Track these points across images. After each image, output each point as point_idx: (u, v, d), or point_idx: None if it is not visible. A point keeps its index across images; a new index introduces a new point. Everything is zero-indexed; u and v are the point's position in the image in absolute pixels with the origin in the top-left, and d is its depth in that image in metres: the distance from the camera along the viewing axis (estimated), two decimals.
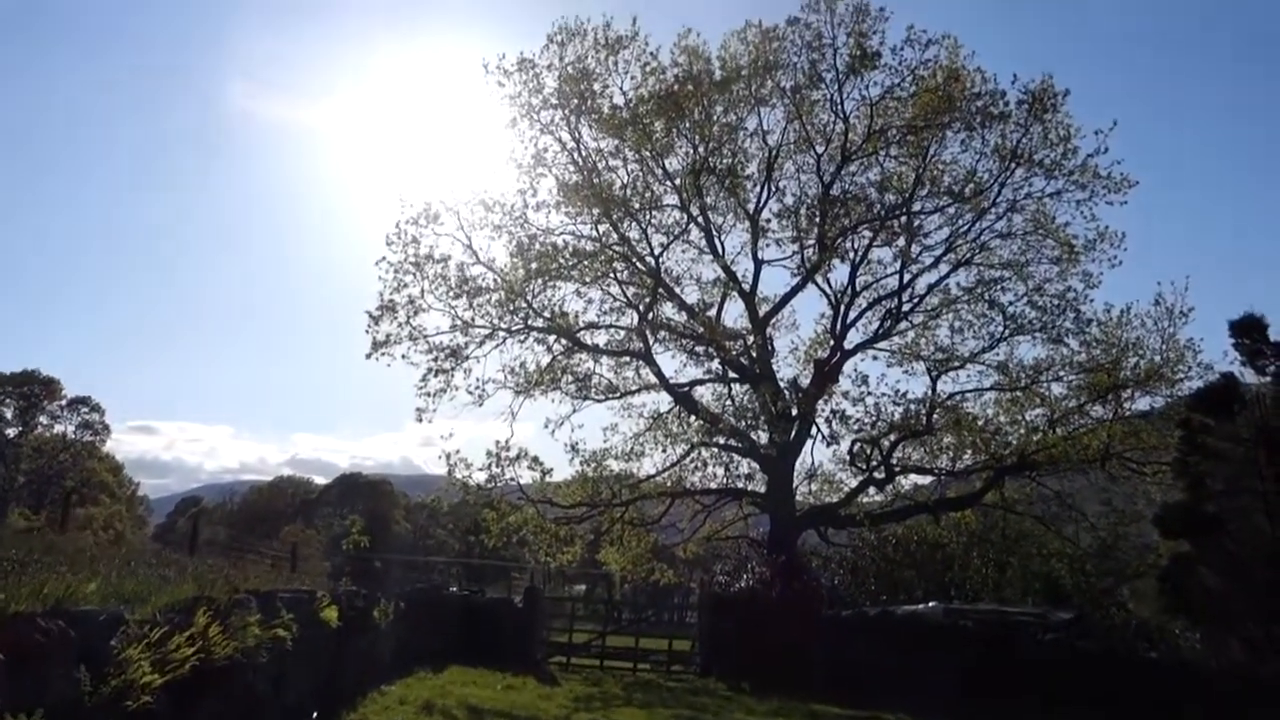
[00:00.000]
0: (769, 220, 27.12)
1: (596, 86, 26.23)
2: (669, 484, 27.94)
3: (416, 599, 20.73)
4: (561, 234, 26.27)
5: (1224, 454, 21.44)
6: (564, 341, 26.22)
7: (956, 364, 25.80)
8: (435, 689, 15.97)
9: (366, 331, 24.83)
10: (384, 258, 24.96)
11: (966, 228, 26.17)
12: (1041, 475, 25.46)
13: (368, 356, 24.75)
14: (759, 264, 27.22)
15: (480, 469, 25.07)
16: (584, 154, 26.62)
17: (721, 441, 26.78)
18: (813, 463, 29.16)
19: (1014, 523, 28.08)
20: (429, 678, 17.26)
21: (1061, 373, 25.30)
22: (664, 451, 27.55)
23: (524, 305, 25.33)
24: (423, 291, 24.96)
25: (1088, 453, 24.38)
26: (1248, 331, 21.51)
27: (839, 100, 25.66)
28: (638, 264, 26.72)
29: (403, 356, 24.99)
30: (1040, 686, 18.92)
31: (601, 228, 26.65)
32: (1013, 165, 25.30)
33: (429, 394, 24.90)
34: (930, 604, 24.72)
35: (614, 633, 25.32)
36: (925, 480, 29.44)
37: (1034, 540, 27.13)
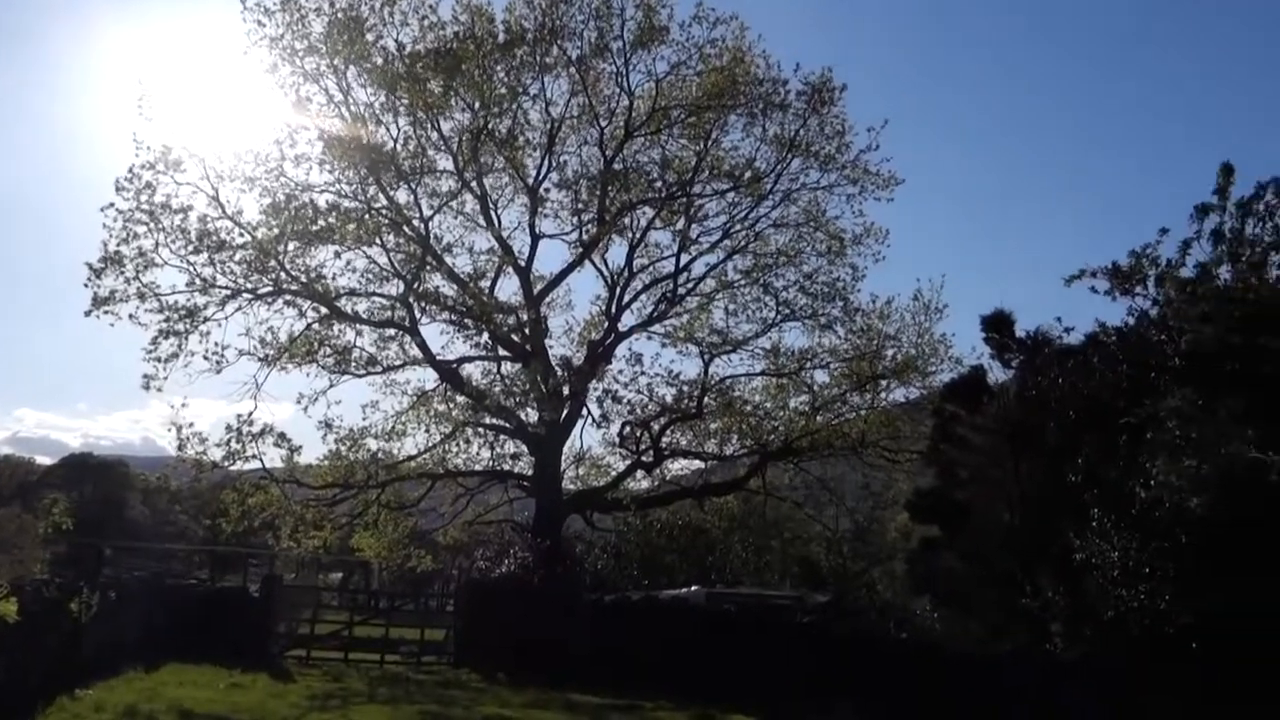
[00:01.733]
0: (548, 191, 26.15)
1: (370, 37, 24.27)
2: (431, 465, 26.47)
3: (131, 589, 18.38)
4: (323, 192, 24.14)
5: (972, 443, 22.47)
6: (320, 309, 24.15)
7: (729, 348, 25.83)
8: (144, 691, 13.96)
9: (87, 285, 21.86)
10: (112, 204, 22.05)
11: (744, 214, 26.22)
12: (804, 461, 25.96)
13: (87, 314, 21.77)
14: (536, 238, 26.21)
15: (218, 445, 22.70)
16: (352, 108, 24.58)
17: (488, 421, 25.58)
18: (582, 446, 28.52)
19: (774, 507, 28.60)
20: (139, 678, 15.16)
21: (827, 360, 25.82)
22: (427, 431, 26.06)
23: (275, 266, 23.06)
24: (156, 245, 22.20)
25: (847, 440, 25.07)
26: (997, 327, 22.61)
27: (625, 73, 24.99)
28: (406, 229, 25.02)
29: (130, 316, 22.15)
30: (799, 667, 19.09)
31: (369, 189, 24.76)
32: (790, 155, 25.52)
33: (159, 359, 22.18)
34: (693, 588, 24.70)
35: (362, 623, 23.56)
36: (692, 466, 29.51)
37: (794, 524, 27.69)
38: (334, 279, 24.12)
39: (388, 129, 24.93)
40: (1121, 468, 16.19)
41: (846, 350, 25.81)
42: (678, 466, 28.50)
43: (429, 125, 25.09)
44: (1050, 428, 19.98)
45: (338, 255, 24.14)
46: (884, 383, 25.90)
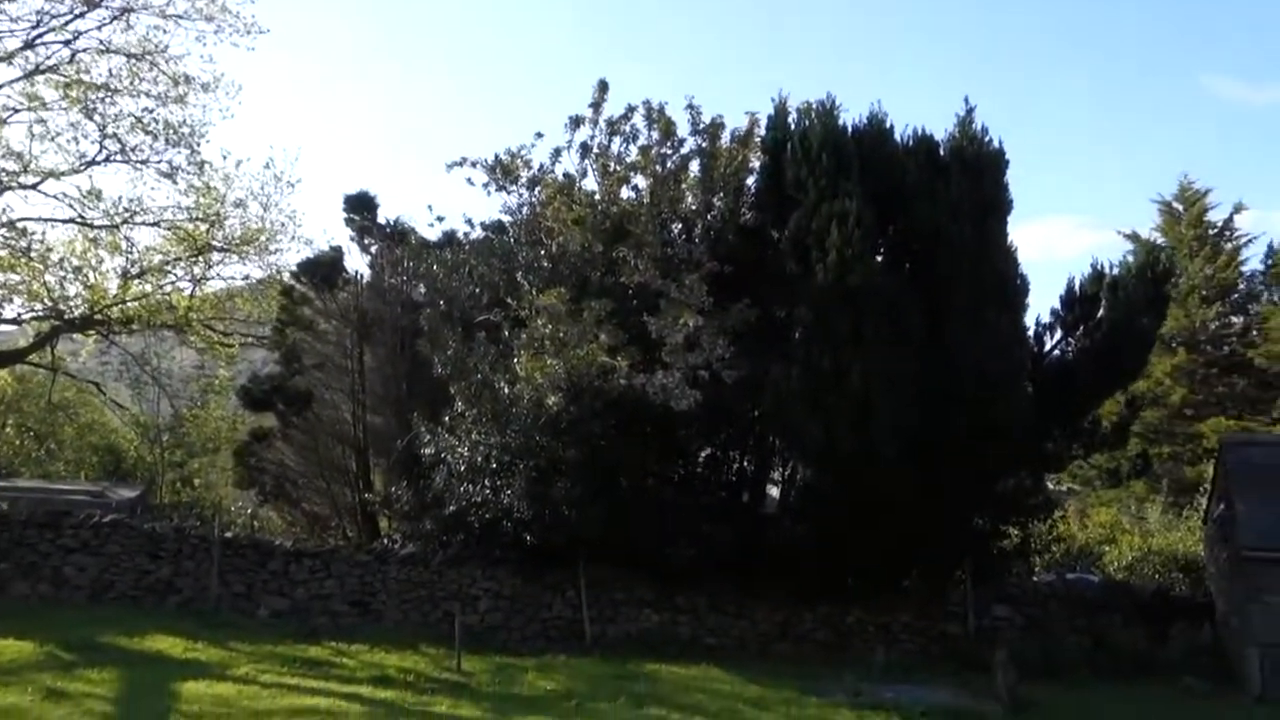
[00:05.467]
0: None
1: None
2: None
3: None
4: None
5: (320, 329, 20.90)
6: None
7: (31, 180, 20.36)
8: None
9: None
10: None
11: (63, 23, 20.75)
12: (114, 334, 21.80)
13: None
14: None
15: None
16: None
17: None
18: None
19: (67, 386, 23.80)
20: None
21: (157, 219, 21.80)
22: None
23: None
24: None
25: (173, 315, 21.59)
26: (359, 208, 21.20)
27: None
28: None
29: None
30: (100, 570, 16.16)
31: None
32: None
33: None
34: None
35: None
36: None
37: (92, 408, 23.32)
38: None
39: None
40: (488, 364, 15.97)
41: (182, 210, 22.10)
42: None
43: None
44: (409, 318, 19.30)
45: None
46: (221, 255, 22.82)
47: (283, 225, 22.74)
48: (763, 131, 17.25)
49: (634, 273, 16.06)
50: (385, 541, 18.19)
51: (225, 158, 22.23)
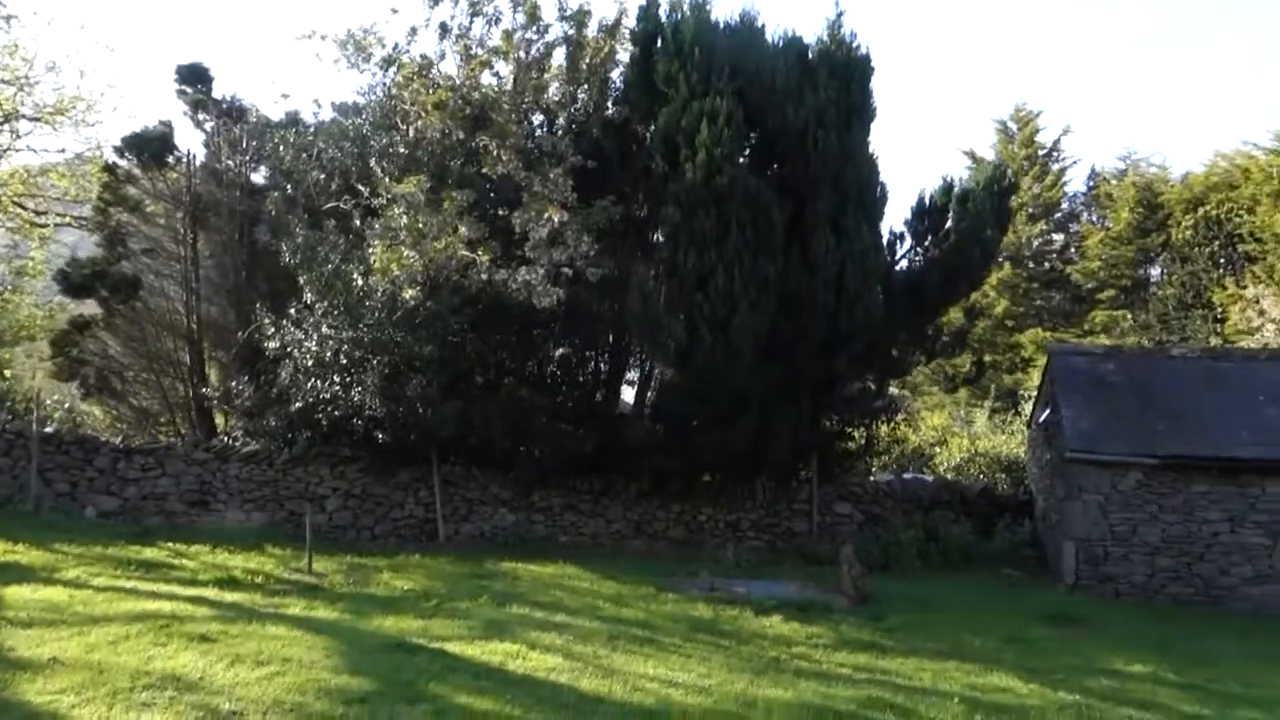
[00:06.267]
0: None
1: None
2: None
3: None
4: None
5: (148, 211, 19.34)
6: None
7: None
8: None
9: None
10: None
11: None
12: None
13: None
14: None
15: None
16: None
17: None
18: None
19: None
20: None
21: None
22: None
23: None
24: None
25: None
26: (192, 80, 19.47)
27: None
28: None
29: None
30: None
31: None
32: None
33: None
34: None
35: None
36: None
37: None
38: None
39: None
40: (339, 254, 15.13)
41: None
42: None
43: None
44: (248, 203, 18.06)
45: None
46: (31, 124, 20.75)
47: (102, 94, 21.14)
48: (631, 23, 16.73)
49: (496, 163, 15.42)
50: (225, 439, 17.28)
51: (35, 14, 20.13)
